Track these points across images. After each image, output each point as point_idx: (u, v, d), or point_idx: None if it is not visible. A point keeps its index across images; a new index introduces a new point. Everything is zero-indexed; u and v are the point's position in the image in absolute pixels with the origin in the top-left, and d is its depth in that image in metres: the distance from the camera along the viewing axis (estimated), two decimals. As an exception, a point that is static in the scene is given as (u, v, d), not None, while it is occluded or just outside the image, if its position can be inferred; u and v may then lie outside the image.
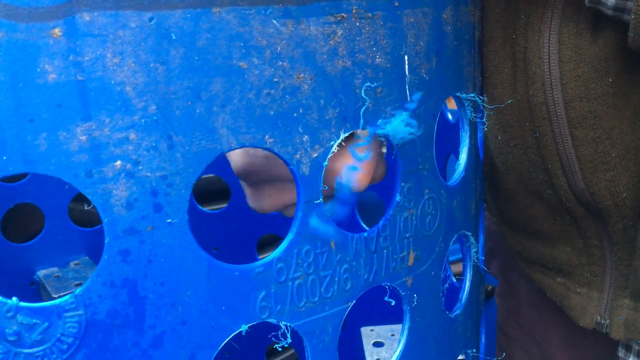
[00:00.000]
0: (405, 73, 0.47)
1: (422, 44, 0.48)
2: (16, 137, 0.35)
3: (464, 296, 0.59)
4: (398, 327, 0.87)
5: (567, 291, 0.71)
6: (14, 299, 0.37)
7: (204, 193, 1.23)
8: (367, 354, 0.82)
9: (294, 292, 0.43)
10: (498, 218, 0.79)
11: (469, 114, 0.56)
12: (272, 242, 1.28)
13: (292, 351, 1.13)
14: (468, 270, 0.60)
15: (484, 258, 0.65)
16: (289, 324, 0.43)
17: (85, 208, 0.99)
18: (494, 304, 1.56)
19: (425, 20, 0.48)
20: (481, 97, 0.56)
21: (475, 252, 0.59)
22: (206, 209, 1.22)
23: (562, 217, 0.67)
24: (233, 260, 0.42)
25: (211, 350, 0.41)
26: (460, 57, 0.53)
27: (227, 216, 1.23)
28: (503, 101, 0.63)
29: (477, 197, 0.60)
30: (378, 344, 0.84)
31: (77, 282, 1.04)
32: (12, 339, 0.37)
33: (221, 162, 1.20)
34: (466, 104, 0.55)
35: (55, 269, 1.10)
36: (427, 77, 0.49)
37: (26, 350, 0.37)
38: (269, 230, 1.22)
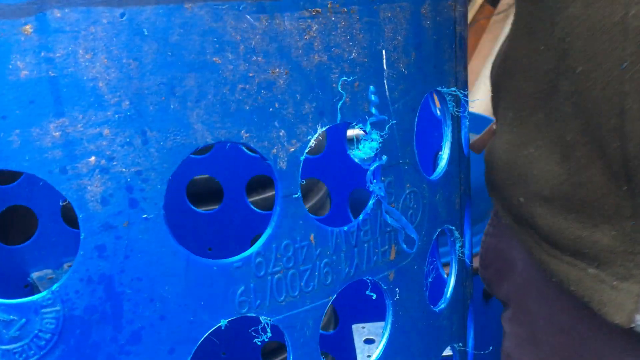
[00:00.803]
0: (384, 67, 0.47)
1: (400, 38, 0.48)
2: (-11, 134, 0.35)
3: (449, 290, 0.59)
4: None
5: (600, 284, 0.61)
6: (-9, 295, 0.37)
7: (197, 194, 1.23)
8: (358, 351, 0.83)
9: (274, 286, 0.43)
10: (530, 194, 0.67)
11: (451, 108, 0.56)
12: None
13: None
14: (453, 265, 0.60)
15: (470, 253, 0.65)
16: (269, 319, 0.43)
17: (61, 204, 0.99)
18: (493, 304, 1.55)
19: (403, 14, 0.48)
20: (462, 92, 0.56)
21: (460, 247, 0.59)
22: (199, 209, 1.22)
23: (619, 186, 0.57)
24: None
25: (191, 345, 0.41)
26: (440, 51, 0.53)
27: (220, 216, 1.23)
28: (594, 23, 0.54)
29: (462, 191, 0.60)
30: (369, 341, 0.85)
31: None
32: (-11, 335, 0.37)
33: (214, 162, 1.21)
34: (448, 99, 0.55)
35: (49, 271, 1.10)
36: (406, 72, 0.49)
37: (3, 347, 0.37)
38: (262, 230, 1.22)
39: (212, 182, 1.22)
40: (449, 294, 0.59)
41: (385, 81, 0.47)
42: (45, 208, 1.08)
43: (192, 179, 1.20)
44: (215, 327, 0.41)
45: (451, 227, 0.57)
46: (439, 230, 0.55)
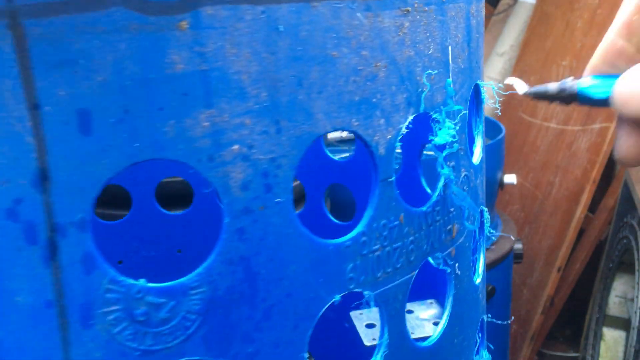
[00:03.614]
0: (449, 62, 0.51)
1: (459, 35, 0.53)
2: (147, 125, 0.37)
3: (480, 267, 0.65)
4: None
5: None
6: (142, 280, 0.38)
7: (167, 196, 1.22)
8: (362, 335, 0.87)
9: (374, 263, 0.47)
10: None
11: (484, 101, 0.61)
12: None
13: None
14: (482, 244, 0.66)
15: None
16: (371, 293, 0.47)
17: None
18: (493, 303, 1.56)
19: (461, 13, 0.53)
20: (499, 85, 0.62)
21: (488, 226, 0.65)
22: (170, 211, 1.22)
23: None
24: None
25: (311, 320, 0.44)
26: (479, 48, 0.58)
27: (190, 218, 1.23)
28: None
29: (484, 176, 0.66)
30: (370, 326, 0.89)
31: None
32: (141, 319, 0.38)
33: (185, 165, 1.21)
34: (483, 92, 0.61)
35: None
36: (463, 66, 0.54)
37: (153, 330, 0.39)
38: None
39: (182, 184, 1.22)
40: (480, 270, 0.64)
41: (450, 75, 0.52)
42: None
43: (161, 181, 1.20)
44: (330, 302, 0.45)
45: (484, 208, 0.63)
46: (479, 210, 0.61)
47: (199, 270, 0.39)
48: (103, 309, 0.38)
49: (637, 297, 1.67)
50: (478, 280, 0.63)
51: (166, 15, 0.36)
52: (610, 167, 2.37)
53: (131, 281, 0.38)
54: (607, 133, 2.13)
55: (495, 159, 1.61)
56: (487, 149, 1.57)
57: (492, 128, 1.73)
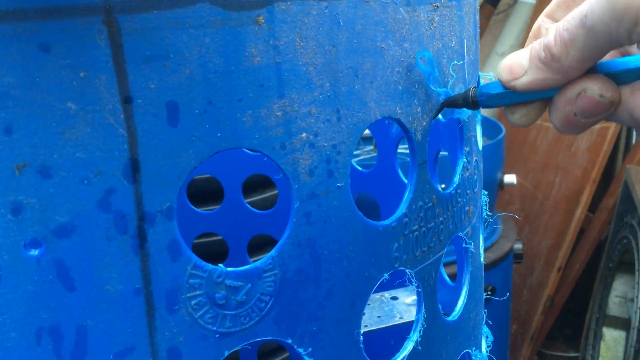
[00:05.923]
0: (464, 54, 0.55)
1: (470, 29, 0.57)
2: (228, 116, 0.38)
3: (481, 248, 0.69)
4: (373, 296, 0.96)
5: None
6: (221, 265, 0.40)
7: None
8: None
9: (413, 242, 0.50)
10: None
11: (482, 90, 0.66)
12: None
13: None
14: (481, 225, 0.70)
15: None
16: (411, 271, 0.50)
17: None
18: (493, 303, 1.48)
19: (471, 9, 0.57)
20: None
21: (486, 209, 0.69)
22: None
23: None
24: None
25: (365, 298, 0.46)
26: (478, 42, 0.63)
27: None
28: None
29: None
30: (359, 313, 0.92)
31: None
32: (220, 302, 0.40)
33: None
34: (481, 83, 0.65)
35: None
36: (472, 58, 0.58)
37: (231, 312, 0.41)
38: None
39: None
40: (482, 250, 0.69)
41: (465, 66, 0.55)
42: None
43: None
44: (380, 281, 0.47)
45: (485, 192, 0.67)
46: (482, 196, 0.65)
47: (271, 253, 0.41)
48: (187, 294, 0.39)
49: (637, 297, 1.66)
50: (482, 258, 0.68)
51: (246, 10, 0.38)
52: (610, 167, 2.32)
53: (212, 266, 0.40)
54: (607, 133, 2.08)
55: (495, 159, 1.59)
56: (487, 149, 1.53)
57: (492, 128, 1.70)
